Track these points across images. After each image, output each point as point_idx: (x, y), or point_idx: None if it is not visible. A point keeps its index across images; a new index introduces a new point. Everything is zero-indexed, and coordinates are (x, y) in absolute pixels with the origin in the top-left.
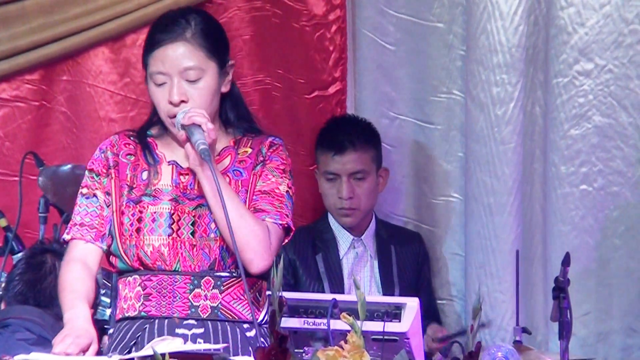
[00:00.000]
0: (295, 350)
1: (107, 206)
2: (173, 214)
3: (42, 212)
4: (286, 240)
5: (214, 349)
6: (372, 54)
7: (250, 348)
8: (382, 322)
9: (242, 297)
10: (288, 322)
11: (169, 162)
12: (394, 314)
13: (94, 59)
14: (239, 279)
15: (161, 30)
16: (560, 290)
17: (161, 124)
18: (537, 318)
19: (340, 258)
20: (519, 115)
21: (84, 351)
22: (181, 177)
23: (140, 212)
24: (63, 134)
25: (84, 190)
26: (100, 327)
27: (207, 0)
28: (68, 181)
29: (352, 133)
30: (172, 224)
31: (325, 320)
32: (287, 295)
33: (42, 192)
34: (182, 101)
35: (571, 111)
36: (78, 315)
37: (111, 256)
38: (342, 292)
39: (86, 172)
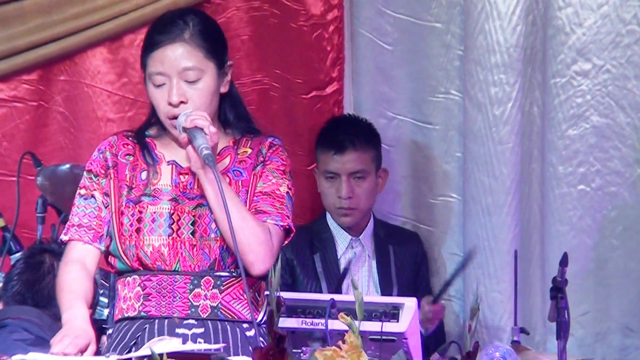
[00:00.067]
0: (293, 350)
1: (105, 207)
2: (173, 213)
3: (40, 212)
4: (286, 241)
5: (212, 349)
6: (370, 54)
7: (250, 348)
8: (380, 322)
9: (241, 297)
10: (286, 322)
11: (168, 162)
12: (392, 314)
13: (92, 59)
14: (239, 279)
15: (160, 31)
16: (558, 290)
17: (160, 125)
18: (535, 318)
19: (338, 258)
20: (517, 115)
21: (82, 351)
22: (181, 176)
23: (140, 212)
24: (61, 134)
25: (82, 191)
26: (99, 327)
27: (205, 0)
28: (66, 181)
29: (352, 133)
30: (172, 224)
31: (323, 320)
32: (285, 295)
33: (40, 192)
34: (182, 102)
35: (569, 111)
36: (76, 315)
37: (110, 257)
38: (339, 292)
39: (84, 173)
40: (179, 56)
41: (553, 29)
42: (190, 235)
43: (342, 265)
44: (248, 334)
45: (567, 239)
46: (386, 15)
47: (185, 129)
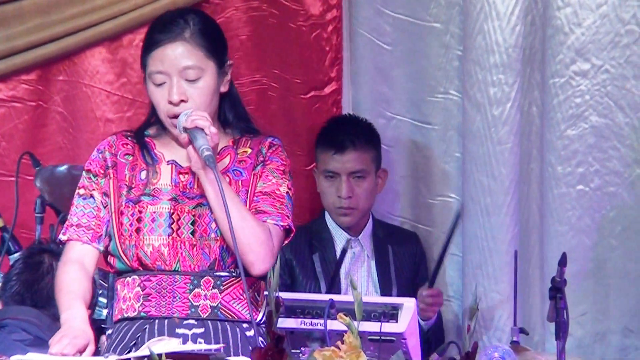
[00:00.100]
0: (292, 351)
1: (104, 207)
2: (173, 213)
3: (38, 212)
4: (286, 242)
5: (211, 349)
6: (369, 54)
7: (250, 348)
8: (379, 323)
9: (241, 297)
10: (285, 323)
11: (168, 161)
12: (391, 314)
13: (90, 59)
14: (239, 279)
15: (160, 30)
16: (557, 290)
17: (159, 124)
18: (534, 318)
19: (337, 258)
20: (516, 115)
21: (80, 352)
22: (181, 176)
23: (140, 212)
24: (60, 134)
25: (81, 191)
26: (98, 327)
27: (204, 0)
28: (65, 181)
29: (353, 133)
30: (172, 223)
31: (322, 321)
32: (284, 295)
33: (38, 192)
34: (182, 100)
35: (568, 111)
36: (75, 315)
37: (109, 256)
38: (338, 292)
39: (83, 173)
40: (180, 55)
41: (552, 29)
42: (190, 235)
43: (342, 266)
44: (248, 333)
45: (566, 239)
46: (385, 15)
47: (185, 129)
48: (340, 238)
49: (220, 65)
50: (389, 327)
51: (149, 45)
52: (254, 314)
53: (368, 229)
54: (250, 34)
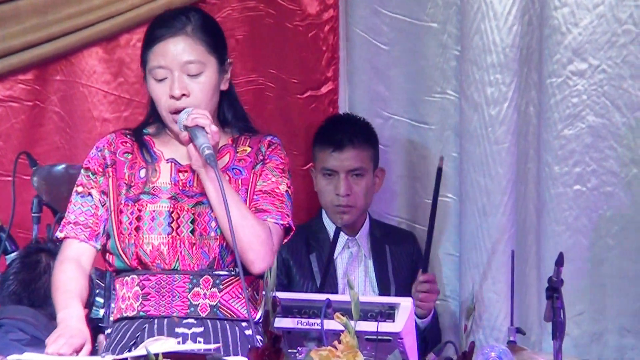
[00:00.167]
0: (289, 351)
1: (102, 205)
2: (172, 212)
3: (35, 212)
4: (286, 240)
5: (208, 349)
6: (365, 54)
7: (249, 347)
8: (376, 322)
9: (240, 296)
10: (282, 322)
11: (167, 159)
12: (388, 314)
13: (87, 59)
14: (238, 278)
15: (161, 25)
16: (553, 290)
17: (159, 122)
18: (530, 318)
19: (335, 258)
20: (513, 115)
21: (77, 351)
22: (180, 174)
23: (139, 210)
24: (56, 134)
25: (79, 189)
26: (95, 326)
27: (200, 0)
28: (62, 181)
29: (351, 131)
30: (172, 222)
31: (318, 320)
32: (281, 295)
33: (35, 192)
34: (183, 94)
35: (565, 111)
36: (71, 315)
37: (108, 254)
38: (336, 292)
39: (82, 171)
40: (181, 50)
41: (549, 29)
42: (190, 234)
43: (339, 266)
44: (247, 332)
45: (563, 238)
46: (382, 15)
47: (186, 128)
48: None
49: (221, 62)
50: (385, 326)
51: (150, 41)
52: (253, 312)
53: (365, 229)
54: (247, 34)
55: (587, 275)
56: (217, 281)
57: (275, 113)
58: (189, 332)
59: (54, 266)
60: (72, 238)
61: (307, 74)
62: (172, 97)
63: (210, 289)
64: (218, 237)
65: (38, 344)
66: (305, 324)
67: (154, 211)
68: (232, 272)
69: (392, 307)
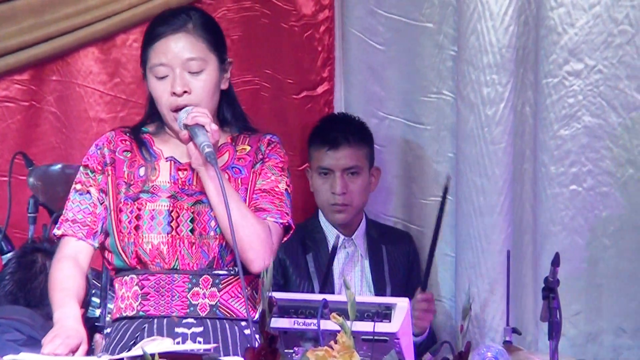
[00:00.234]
0: (285, 351)
1: (101, 204)
2: (172, 211)
3: (31, 212)
4: (285, 238)
5: (204, 349)
6: (361, 54)
7: (248, 346)
8: (372, 323)
9: (239, 295)
10: (278, 322)
11: (166, 158)
12: (384, 314)
13: (83, 59)
14: (237, 277)
15: (162, 23)
16: (550, 290)
17: (159, 121)
18: (527, 318)
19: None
20: (509, 115)
21: (73, 351)
22: (179, 172)
23: (139, 209)
24: (53, 134)
25: (78, 186)
26: (91, 325)
27: (196, 0)
28: (58, 181)
29: (346, 129)
30: (171, 221)
31: (315, 321)
32: (277, 295)
33: (31, 192)
34: (185, 92)
35: (561, 111)
36: (68, 314)
37: (107, 253)
38: (332, 292)
39: (81, 168)
40: (182, 47)
41: (545, 29)
42: (190, 233)
43: (335, 266)
44: (247, 332)
45: (559, 239)
46: (378, 15)
47: (186, 126)
48: (333, 238)
49: (221, 61)
50: (382, 327)
51: (151, 39)
52: (252, 312)
53: (362, 229)
54: (242, 34)
55: (583, 276)
56: (217, 281)
57: (271, 113)
58: (189, 332)
59: (51, 264)
60: (70, 236)
61: (303, 74)
62: (174, 94)
63: (210, 288)
64: (218, 236)
65: (34, 344)
66: (301, 324)
67: (153, 210)
68: (232, 272)
69: (389, 308)
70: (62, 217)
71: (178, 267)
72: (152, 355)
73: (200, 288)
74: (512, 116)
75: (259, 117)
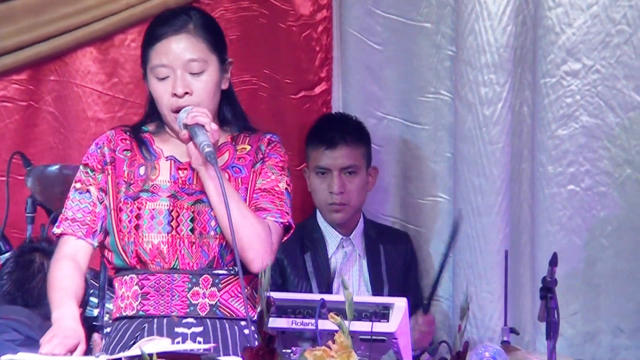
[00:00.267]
0: (283, 351)
1: (100, 203)
2: (172, 210)
3: (29, 212)
4: (285, 238)
5: (202, 349)
6: (359, 54)
7: (245, 346)
8: (370, 322)
9: (239, 295)
10: (276, 322)
11: (167, 157)
12: (382, 314)
13: (81, 59)
14: (237, 277)
15: (162, 23)
16: (547, 290)
17: (159, 120)
18: (524, 318)
19: (329, 257)
20: (507, 115)
21: (71, 351)
22: (180, 172)
23: (139, 208)
24: (51, 134)
25: (78, 185)
26: (89, 325)
27: (194, 0)
28: (56, 181)
29: (343, 129)
30: (171, 221)
31: (313, 320)
32: (275, 295)
33: (29, 192)
34: (186, 93)
35: (559, 111)
36: (66, 314)
37: (107, 252)
38: (330, 291)
39: (80, 167)
40: (184, 48)
41: (543, 29)
42: (190, 232)
43: (333, 265)
44: (246, 332)
45: (557, 238)
46: (375, 15)
47: (186, 126)
48: (331, 237)
49: (222, 61)
50: (380, 326)
51: (152, 39)
52: (252, 311)
53: (359, 229)
54: (240, 34)
55: (580, 275)
56: (217, 280)
57: (269, 113)
58: (189, 331)
59: (50, 263)
60: (69, 235)
61: (301, 74)
62: (175, 95)
63: (210, 288)
64: (218, 236)
65: (32, 344)
66: (299, 324)
67: (153, 209)
68: (232, 271)
69: (387, 307)
70: (61, 215)
71: (178, 267)
72: (150, 355)
73: (200, 288)
74: (510, 116)
75: (257, 117)
